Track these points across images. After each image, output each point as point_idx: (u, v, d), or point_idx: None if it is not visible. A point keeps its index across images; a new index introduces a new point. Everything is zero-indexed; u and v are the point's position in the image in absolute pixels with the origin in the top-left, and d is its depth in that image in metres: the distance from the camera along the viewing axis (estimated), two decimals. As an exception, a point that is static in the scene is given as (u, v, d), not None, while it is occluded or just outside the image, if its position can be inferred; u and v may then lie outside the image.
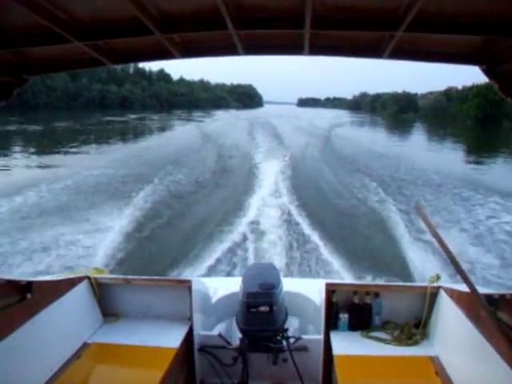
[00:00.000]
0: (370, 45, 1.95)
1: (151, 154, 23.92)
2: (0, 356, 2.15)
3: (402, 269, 8.38)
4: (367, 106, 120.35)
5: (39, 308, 2.49)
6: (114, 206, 12.55)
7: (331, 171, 20.00)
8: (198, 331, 3.16)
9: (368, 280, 7.46)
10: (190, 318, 3.07)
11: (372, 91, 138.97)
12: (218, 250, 9.14)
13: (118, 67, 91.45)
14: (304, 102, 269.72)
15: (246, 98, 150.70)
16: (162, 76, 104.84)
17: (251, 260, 8.66)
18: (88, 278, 3.09)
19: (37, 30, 1.69)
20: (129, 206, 12.53)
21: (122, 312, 3.20)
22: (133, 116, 61.22)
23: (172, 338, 2.89)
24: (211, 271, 8.04)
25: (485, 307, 2.04)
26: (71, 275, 3.06)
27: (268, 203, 14.26)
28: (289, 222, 11.59)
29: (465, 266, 2.45)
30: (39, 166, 20.24)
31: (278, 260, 8.62)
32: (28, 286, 2.38)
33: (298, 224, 11.38)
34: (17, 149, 26.13)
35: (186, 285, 3.05)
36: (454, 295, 2.70)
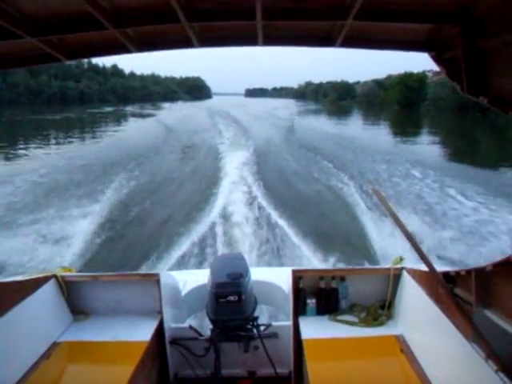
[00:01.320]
0: (322, 34, 1.93)
1: (112, 146, 24.75)
2: None
3: (369, 252, 8.48)
4: (311, 95, 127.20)
5: (5, 310, 2.44)
6: (79, 203, 12.28)
7: (280, 145, 23.72)
8: (169, 324, 3.14)
9: (337, 265, 7.47)
10: (160, 312, 3.03)
11: (317, 80, 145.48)
12: (187, 243, 9.09)
13: (73, 63, 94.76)
14: (252, 93, 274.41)
15: (195, 90, 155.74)
16: (116, 71, 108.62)
17: (220, 251, 8.60)
18: (55, 276, 3.02)
19: None
20: (95, 202, 12.40)
21: (92, 309, 3.14)
22: (108, 109, 65.84)
23: (142, 332, 2.85)
24: (181, 264, 7.96)
25: (442, 284, 2.11)
26: (37, 275, 2.98)
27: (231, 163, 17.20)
28: (252, 206, 11.89)
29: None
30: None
31: (247, 250, 8.60)
32: None
33: (262, 209, 11.63)
34: None
35: (155, 278, 3.01)
36: (416, 275, 2.73)
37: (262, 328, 3.03)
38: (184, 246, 8.96)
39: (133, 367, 2.47)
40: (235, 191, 13.72)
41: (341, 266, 7.26)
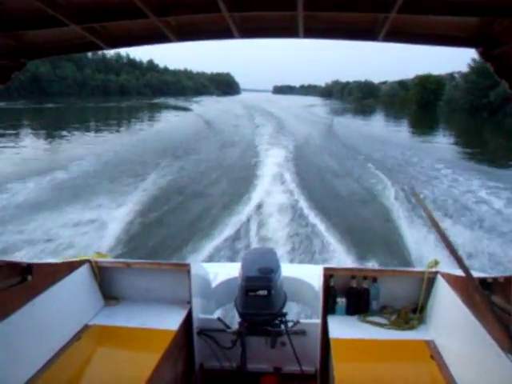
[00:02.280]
0: (365, 27, 1.87)
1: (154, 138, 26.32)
2: (1, 336, 2.18)
3: (402, 254, 8.44)
4: (337, 93, 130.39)
5: (40, 290, 2.51)
6: (118, 192, 12.76)
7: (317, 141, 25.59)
8: (198, 315, 3.16)
9: (369, 265, 7.39)
10: (190, 302, 3.06)
11: (344, 79, 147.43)
12: (222, 235, 9.24)
13: (113, 57, 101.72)
14: (279, 89, 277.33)
15: (224, 85, 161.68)
16: (152, 66, 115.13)
17: (254, 246, 8.70)
18: (89, 261, 3.11)
19: (33, 14, 1.67)
20: (135, 191, 12.87)
21: (123, 295, 3.21)
22: (154, 100, 71.92)
23: (171, 321, 2.89)
24: (214, 257, 8.08)
25: (478, 291, 2.02)
26: (72, 259, 3.08)
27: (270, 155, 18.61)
28: (290, 203, 12.07)
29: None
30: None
31: (280, 246, 8.67)
32: (28, 269, 2.40)
33: (298, 206, 11.75)
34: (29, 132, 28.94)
35: (185, 268, 3.04)
36: (451, 280, 2.66)
37: (289, 324, 3.00)
38: (218, 238, 9.07)
39: (159, 355, 2.48)
40: (274, 184, 14.19)
41: (373, 266, 7.20)
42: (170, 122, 38.79)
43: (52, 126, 33.45)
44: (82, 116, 45.62)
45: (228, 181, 14.99)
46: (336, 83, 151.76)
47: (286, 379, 3.19)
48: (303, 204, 12.06)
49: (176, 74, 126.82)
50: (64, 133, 28.78)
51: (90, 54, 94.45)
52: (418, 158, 20.15)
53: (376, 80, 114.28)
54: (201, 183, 14.78)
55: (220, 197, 12.94)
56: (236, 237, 9.32)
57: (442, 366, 2.37)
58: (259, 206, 11.71)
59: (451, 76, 71.00)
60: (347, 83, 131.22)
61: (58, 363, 2.43)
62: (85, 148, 21.99)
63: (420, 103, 71.17)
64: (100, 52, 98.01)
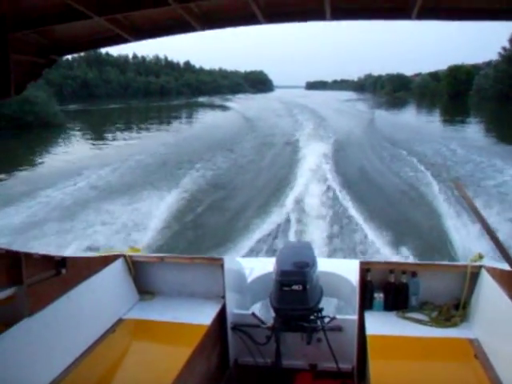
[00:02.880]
0: (396, 5, 1.75)
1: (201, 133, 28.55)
2: (36, 328, 2.22)
3: (444, 248, 8.26)
4: (370, 87, 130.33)
5: (74, 283, 2.55)
6: (161, 187, 13.30)
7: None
8: (232, 310, 3.15)
9: (409, 259, 7.23)
10: (223, 297, 3.06)
11: (376, 72, 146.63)
12: (260, 230, 9.36)
13: (152, 60, 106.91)
14: (312, 85, 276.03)
15: (258, 83, 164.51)
16: (188, 67, 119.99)
17: (291, 240, 8.68)
18: (123, 256, 3.15)
19: (56, 8, 1.69)
20: (175, 187, 13.30)
21: (157, 290, 3.25)
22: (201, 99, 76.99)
23: (204, 316, 2.91)
24: (252, 252, 8.14)
25: None
26: (107, 253, 3.14)
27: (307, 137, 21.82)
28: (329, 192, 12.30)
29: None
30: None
31: (318, 240, 8.66)
32: (63, 262, 2.45)
33: (336, 196, 11.96)
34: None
35: (219, 263, 3.05)
36: (496, 274, 2.54)
37: (326, 320, 2.93)
38: (256, 233, 9.14)
39: (192, 348, 2.51)
40: (316, 174, 14.78)
41: (413, 260, 6.99)
42: (214, 119, 41.50)
43: (111, 126, 37.23)
44: (133, 115, 50.85)
45: (269, 171, 15.81)
46: (368, 77, 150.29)
47: (321, 376, 3.12)
48: (340, 194, 12.43)
49: (212, 73, 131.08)
50: (125, 133, 31.98)
51: (131, 58, 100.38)
52: (450, 147, 20.95)
53: (409, 72, 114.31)
54: (242, 176, 15.35)
55: (261, 189, 13.33)
56: (275, 232, 9.36)
57: (487, 366, 2.24)
58: (299, 199, 11.86)
59: (481, 66, 71.40)
60: (379, 77, 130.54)
61: (93, 355, 2.46)
62: (135, 145, 24.15)
63: (451, 94, 71.86)
64: (140, 56, 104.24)
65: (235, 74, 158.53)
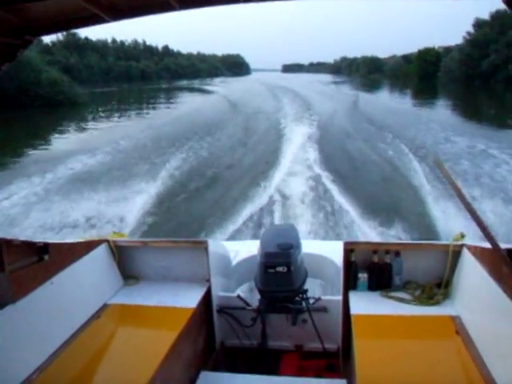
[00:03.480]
0: None
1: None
2: (20, 315, 2.20)
3: (427, 228, 8.34)
4: (346, 69, 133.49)
5: (57, 269, 2.53)
6: (143, 172, 13.22)
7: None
8: (217, 293, 3.15)
9: (392, 240, 7.14)
10: (209, 280, 3.05)
11: (352, 55, 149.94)
12: (244, 214, 9.40)
13: (131, 45, 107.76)
14: (288, 68, 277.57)
15: (235, 66, 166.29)
16: (167, 51, 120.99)
17: (277, 222, 8.72)
18: (107, 241, 3.12)
19: None
20: (158, 172, 13.17)
21: (142, 274, 3.24)
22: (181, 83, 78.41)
23: (190, 299, 2.90)
24: (237, 235, 8.12)
25: (506, 262, 1.95)
26: (90, 239, 3.09)
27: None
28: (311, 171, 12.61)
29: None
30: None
31: (303, 222, 8.69)
32: (45, 248, 2.42)
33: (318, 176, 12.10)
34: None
35: (203, 246, 3.03)
36: (477, 253, 2.56)
37: (311, 301, 2.97)
38: (241, 217, 9.16)
39: (177, 332, 2.52)
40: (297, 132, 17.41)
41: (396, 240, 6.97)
42: (202, 103, 41.93)
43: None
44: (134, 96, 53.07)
45: (254, 152, 16.39)
46: (344, 59, 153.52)
47: (307, 357, 3.14)
48: (318, 161, 13.69)
49: (190, 57, 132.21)
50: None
51: (110, 43, 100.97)
52: (419, 126, 22.14)
53: (385, 54, 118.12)
54: (227, 158, 15.52)
55: (246, 170, 13.62)
56: (260, 215, 9.38)
57: (468, 342, 2.28)
58: (284, 180, 12.18)
59: (448, 49, 75.03)
60: (355, 59, 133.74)
61: (78, 341, 2.45)
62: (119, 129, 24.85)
63: (421, 75, 75.61)
64: (119, 40, 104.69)
65: (212, 57, 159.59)
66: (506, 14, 58.50)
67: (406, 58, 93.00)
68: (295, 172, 13.33)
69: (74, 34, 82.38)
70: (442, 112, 32.29)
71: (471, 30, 65.23)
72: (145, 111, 36.34)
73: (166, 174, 12.97)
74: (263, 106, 33.53)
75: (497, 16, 60.11)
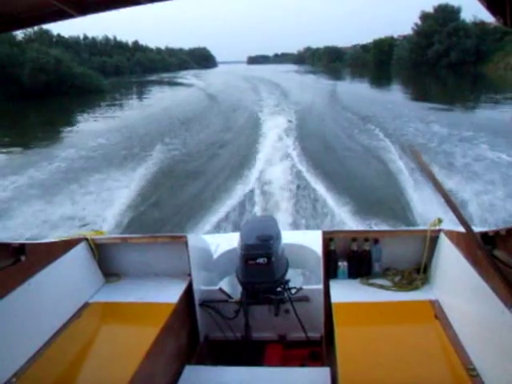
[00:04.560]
0: None
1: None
2: None
3: (405, 214, 8.42)
4: (310, 59, 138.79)
5: (35, 270, 2.49)
6: (121, 167, 13.12)
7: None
8: (199, 287, 3.15)
9: (371, 228, 7.31)
10: (190, 274, 3.06)
11: (315, 45, 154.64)
12: (224, 207, 9.35)
13: (103, 41, 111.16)
14: (254, 60, 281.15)
15: (203, 60, 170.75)
16: (137, 46, 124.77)
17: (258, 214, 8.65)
18: (86, 239, 3.08)
19: None
20: (138, 166, 13.14)
21: (123, 271, 3.22)
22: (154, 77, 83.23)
23: (171, 294, 2.90)
24: (217, 228, 8.11)
25: (479, 246, 2.00)
26: (68, 238, 3.04)
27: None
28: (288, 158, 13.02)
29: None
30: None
31: (283, 214, 8.78)
32: (21, 249, 2.37)
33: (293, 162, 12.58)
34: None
35: (182, 240, 3.02)
36: (454, 237, 2.62)
37: (292, 291, 2.98)
38: (221, 210, 9.20)
39: (159, 327, 2.52)
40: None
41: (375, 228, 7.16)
42: (180, 94, 45.65)
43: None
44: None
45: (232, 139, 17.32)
46: (308, 50, 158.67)
47: (291, 346, 3.15)
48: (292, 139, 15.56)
49: (160, 52, 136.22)
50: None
51: (82, 40, 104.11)
52: (377, 106, 24.86)
53: (348, 44, 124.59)
54: (204, 148, 15.99)
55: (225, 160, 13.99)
56: (239, 207, 9.36)
57: (446, 325, 2.34)
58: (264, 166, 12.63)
59: (399, 38, 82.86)
60: (317, 49, 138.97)
61: (59, 341, 2.42)
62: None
63: (376, 63, 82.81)
64: (90, 36, 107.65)
65: (180, 51, 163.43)
66: (446, 8, 66.74)
67: (365, 48, 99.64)
68: (267, 133, 16.28)
69: (47, 31, 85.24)
70: (396, 94, 36.79)
71: (418, 21, 73.01)
72: (142, 101, 40.86)
73: (143, 170, 12.87)
74: (242, 92, 37.65)
75: (439, 9, 68.24)
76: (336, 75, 68.59)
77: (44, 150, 17.67)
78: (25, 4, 1.75)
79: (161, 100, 37.01)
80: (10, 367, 2.17)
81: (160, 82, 68.33)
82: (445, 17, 66.66)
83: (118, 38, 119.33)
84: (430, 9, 70.78)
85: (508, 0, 1.32)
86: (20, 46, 46.02)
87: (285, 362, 3.06)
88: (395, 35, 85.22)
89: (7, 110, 33.75)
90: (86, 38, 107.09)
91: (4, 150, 17.62)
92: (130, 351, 2.34)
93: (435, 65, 65.39)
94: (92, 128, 22.96)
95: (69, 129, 23.49)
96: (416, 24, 72.79)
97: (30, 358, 2.28)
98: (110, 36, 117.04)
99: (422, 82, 52.85)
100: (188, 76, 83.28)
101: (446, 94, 37.66)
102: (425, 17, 71.40)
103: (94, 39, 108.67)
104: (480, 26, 63.53)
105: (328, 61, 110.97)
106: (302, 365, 2.99)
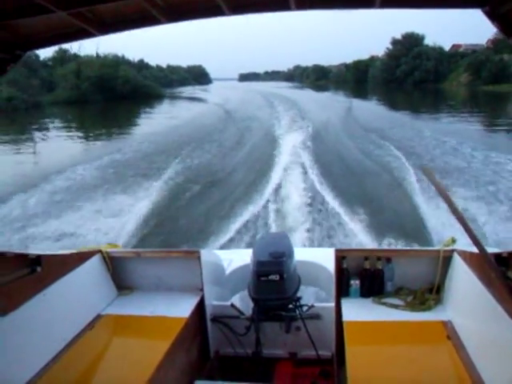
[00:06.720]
0: None
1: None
2: (11, 327, 2.19)
3: (418, 233, 8.37)
4: (299, 77, 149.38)
5: (50, 281, 2.54)
6: (139, 182, 13.28)
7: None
8: (211, 302, 3.18)
9: (384, 246, 7.27)
10: (202, 289, 3.07)
11: (304, 63, 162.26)
12: (238, 223, 9.48)
13: (113, 59, 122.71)
14: (245, 77, 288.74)
15: (199, 76, 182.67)
16: (142, 64, 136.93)
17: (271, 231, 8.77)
18: (100, 252, 3.14)
19: (18, 2, 1.68)
20: (153, 181, 13.22)
21: (136, 285, 3.26)
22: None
23: (183, 309, 2.93)
24: (231, 244, 8.21)
25: (493, 267, 1.98)
26: (83, 250, 3.11)
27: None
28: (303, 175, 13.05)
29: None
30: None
31: (297, 230, 8.83)
32: (37, 260, 2.43)
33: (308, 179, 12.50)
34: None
35: (196, 255, 3.05)
36: (467, 258, 2.59)
37: (304, 309, 2.99)
38: (235, 226, 9.32)
39: (170, 341, 2.54)
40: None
41: (387, 247, 7.15)
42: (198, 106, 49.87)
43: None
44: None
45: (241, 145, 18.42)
46: (297, 68, 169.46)
47: (301, 364, 3.14)
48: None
49: (162, 69, 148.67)
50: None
51: (95, 57, 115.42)
52: (356, 112, 31.00)
53: (335, 62, 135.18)
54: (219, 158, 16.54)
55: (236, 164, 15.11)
56: (254, 224, 9.49)
57: (459, 347, 2.31)
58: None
59: (374, 59, 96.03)
60: (306, 68, 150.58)
61: (71, 352, 2.46)
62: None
63: (355, 81, 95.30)
64: (102, 54, 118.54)
65: (180, 68, 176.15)
66: (412, 35, 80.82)
67: (347, 67, 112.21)
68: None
69: (66, 51, 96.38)
70: (371, 105, 43.17)
71: (390, 46, 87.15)
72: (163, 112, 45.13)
73: (160, 184, 12.95)
74: (259, 109, 38.95)
75: (407, 36, 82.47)
76: (320, 90, 77.14)
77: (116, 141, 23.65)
78: (49, 24, 1.90)
79: (188, 110, 42.80)
80: (23, 377, 2.19)
81: (177, 97, 75.89)
82: (411, 42, 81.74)
83: (126, 57, 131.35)
84: (399, 35, 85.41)
85: None
86: (116, 66, 64.75)
87: (295, 379, 3.07)
88: (379, 54, 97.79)
89: (107, 107, 50.20)
90: (98, 55, 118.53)
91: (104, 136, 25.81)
92: (141, 364, 2.36)
93: (403, 82, 78.70)
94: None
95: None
96: (388, 48, 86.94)
97: (43, 367, 2.30)
98: (119, 54, 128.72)
99: (392, 95, 61.23)
100: (197, 91, 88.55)
101: (411, 103, 46.25)
102: (395, 42, 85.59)
103: (105, 57, 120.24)
104: (438, 50, 77.94)
105: (315, 79, 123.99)
106: (313, 383, 3.00)
